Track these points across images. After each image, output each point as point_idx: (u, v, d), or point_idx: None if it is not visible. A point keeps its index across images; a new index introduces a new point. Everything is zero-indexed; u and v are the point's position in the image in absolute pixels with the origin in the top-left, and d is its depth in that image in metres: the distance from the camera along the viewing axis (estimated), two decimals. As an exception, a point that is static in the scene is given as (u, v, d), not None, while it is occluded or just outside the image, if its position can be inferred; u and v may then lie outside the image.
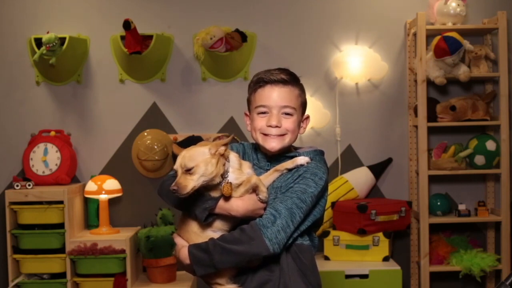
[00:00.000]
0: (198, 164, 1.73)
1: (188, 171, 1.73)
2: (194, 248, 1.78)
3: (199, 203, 1.79)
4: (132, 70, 3.77)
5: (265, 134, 1.88)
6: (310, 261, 1.86)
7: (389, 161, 3.81)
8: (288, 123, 1.88)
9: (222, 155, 1.78)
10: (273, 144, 1.87)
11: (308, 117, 1.97)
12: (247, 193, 1.80)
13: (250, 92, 1.94)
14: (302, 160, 1.85)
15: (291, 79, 1.89)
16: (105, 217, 3.56)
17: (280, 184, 1.84)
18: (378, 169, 3.79)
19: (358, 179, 3.72)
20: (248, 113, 1.97)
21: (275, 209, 1.76)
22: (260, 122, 1.88)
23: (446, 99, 3.74)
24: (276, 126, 1.86)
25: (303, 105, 1.94)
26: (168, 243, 3.48)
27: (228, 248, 1.73)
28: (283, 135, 1.87)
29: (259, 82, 1.90)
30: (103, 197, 3.54)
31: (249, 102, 1.95)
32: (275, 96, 1.87)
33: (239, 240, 1.73)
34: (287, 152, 1.92)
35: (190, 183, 1.72)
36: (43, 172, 3.65)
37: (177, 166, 1.75)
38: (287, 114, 1.88)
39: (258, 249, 1.72)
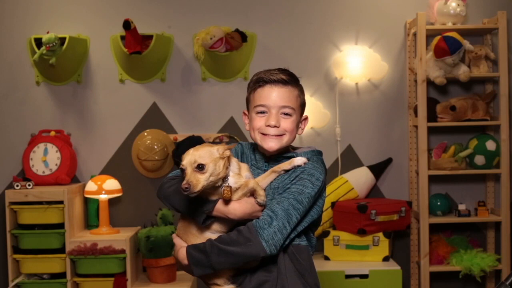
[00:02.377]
0: (208, 163, 1.73)
1: (199, 168, 1.72)
2: (192, 249, 1.78)
3: (197, 206, 1.79)
4: (132, 70, 3.77)
5: (264, 134, 1.87)
6: (307, 262, 1.86)
7: (389, 161, 3.81)
8: (286, 123, 1.87)
9: (228, 158, 1.79)
10: (271, 144, 1.87)
11: (306, 118, 1.97)
12: (244, 197, 1.80)
13: (249, 91, 1.94)
14: (299, 161, 1.84)
15: (290, 80, 1.89)
16: (105, 217, 3.56)
17: (277, 185, 1.84)
18: (378, 169, 3.79)
19: (358, 179, 3.72)
20: (247, 113, 1.96)
21: (271, 210, 1.76)
22: (259, 122, 1.88)
23: (446, 99, 3.74)
24: (275, 126, 1.85)
25: (302, 106, 1.94)
26: (168, 243, 3.48)
27: (225, 249, 1.73)
28: (281, 135, 1.87)
29: (258, 82, 1.90)
30: (103, 197, 3.54)
31: (248, 101, 1.95)
32: (274, 96, 1.87)
33: (236, 241, 1.73)
34: (285, 153, 1.92)
35: (201, 181, 1.71)
36: (43, 172, 3.65)
37: (186, 163, 1.73)
38: (286, 114, 1.87)
39: (255, 250, 1.72)
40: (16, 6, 3.77)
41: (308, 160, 1.86)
